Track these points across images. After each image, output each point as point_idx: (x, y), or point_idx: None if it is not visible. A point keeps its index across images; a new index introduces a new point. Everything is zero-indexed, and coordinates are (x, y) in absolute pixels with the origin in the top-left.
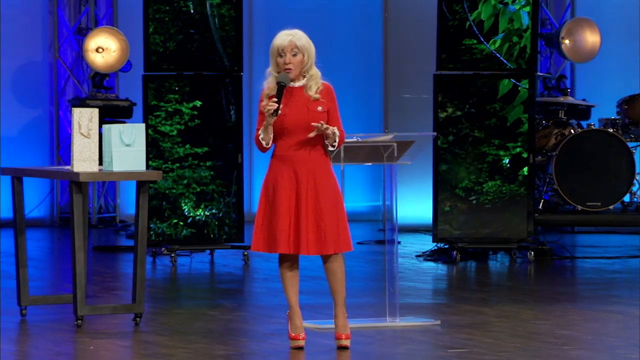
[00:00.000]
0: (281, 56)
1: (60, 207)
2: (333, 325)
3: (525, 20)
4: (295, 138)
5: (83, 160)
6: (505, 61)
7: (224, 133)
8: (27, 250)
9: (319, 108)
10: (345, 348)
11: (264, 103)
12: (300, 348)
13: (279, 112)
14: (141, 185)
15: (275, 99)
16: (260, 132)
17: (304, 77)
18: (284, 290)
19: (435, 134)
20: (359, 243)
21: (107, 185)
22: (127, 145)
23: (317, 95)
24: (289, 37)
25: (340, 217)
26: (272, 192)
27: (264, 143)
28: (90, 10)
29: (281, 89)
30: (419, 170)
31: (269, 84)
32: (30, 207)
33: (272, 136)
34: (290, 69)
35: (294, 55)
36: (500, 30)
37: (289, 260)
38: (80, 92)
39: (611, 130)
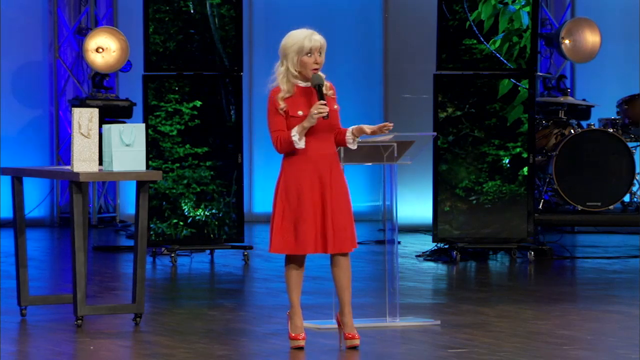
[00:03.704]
0: (309, 55)
1: (60, 207)
2: (334, 326)
3: (525, 20)
4: (318, 137)
5: (83, 160)
6: (505, 61)
7: (224, 133)
8: (27, 250)
9: (335, 106)
10: (356, 348)
11: (281, 106)
12: (301, 348)
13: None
14: (141, 185)
15: (323, 102)
16: (298, 133)
17: None
18: (287, 289)
19: (435, 134)
20: (359, 243)
21: (107, 185)
22: (127, 145)
23: (331, 92)
24: (317, 36)
25: (351, 215)
26: (296, 192)
27: (301, 144)
28: (90, 10)
29: (321, 90)
30: (419, 170)
31: (284, 86)
32: (30, 207)
33: None
34: (317, 68)
35: (320, 54)
36: (500, 30)
37: (298, 261)
38: (80, 92)
39: (611, 130)
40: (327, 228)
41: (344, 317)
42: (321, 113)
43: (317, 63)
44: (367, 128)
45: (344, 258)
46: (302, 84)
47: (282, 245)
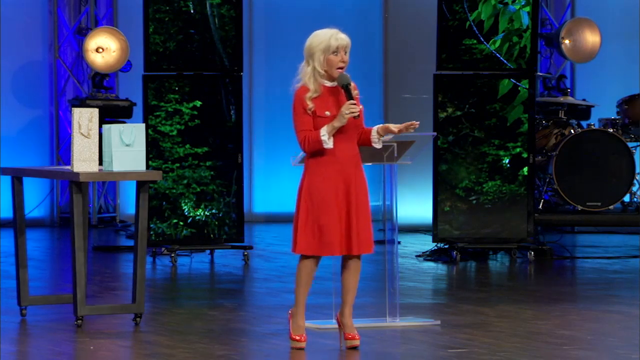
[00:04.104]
0: (335, 54)
1: (60, 207)
2: (334, 326)
3: (525, 20)
4: (344, 137)
5: (83, 160)
6: (505, 61)
7: (224, 133)
8: (27, 250)
9: (360, 106)
10: (356, 348)
11: (309, 106)
12: (301, 349)
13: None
14: (141, 185)
15: (354, 102)
16: (327, 133)
17: None
18: (296, 287)
19: (435, 134)
20: None
21: (107, 185)
22: (127, 145)
23: (356, 92)
24: (343, 35)
25: (371, 217)
26: (322, 193)
27: (330, 143)
28: (90, 10)
29: (349, 89)
30: (419, 170)
31: (312, 85)
32: (30, 207)
33: None
34: (343, 67)
35: (345, 53)
36: (500, 30)
37: (315, 261)
38: (80, 92)
39: (611, 130)
40: (351, 229)
41: (345, 318)
42: (353, 113)
43: (343, 62)
44: (394, 127)
45: (358, 260)
46: (328, 83)
47: (308, 246)
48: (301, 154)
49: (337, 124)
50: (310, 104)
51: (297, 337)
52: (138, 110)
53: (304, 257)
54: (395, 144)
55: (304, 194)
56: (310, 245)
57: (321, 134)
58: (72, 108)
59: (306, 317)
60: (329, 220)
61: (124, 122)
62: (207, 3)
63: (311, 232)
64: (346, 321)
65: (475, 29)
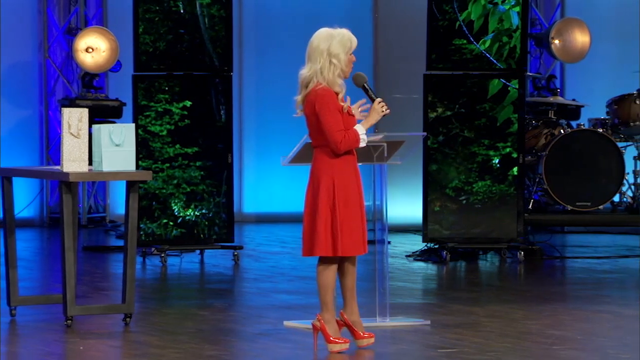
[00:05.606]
0: (351, 54)
1: (49, 207)
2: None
3: (515, 21)
4: None
5: (73, 160)
6: (495, 61)
7: (214, 133)
8: (17, 251)
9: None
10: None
11: (344, 105)
12: (345, 351)
13: None
14: (131, 185)
15: (380, 99)
16: (364, 131)
17: None
18: (323, 292)
19: (425, 134)
20: None
21: (97, 185)
22: (117, 145)
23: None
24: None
25: None
26: (352, 192)
27: (365, 142)
28: (80, 10)
29: (370, 88)
30: (409, 171)
31: (339, 85)
32: (20, 207)
33: None
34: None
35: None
36: (490, 31)
37: (337, 262)
38: (70, 92)
39: (601, 130)
40: (364, 229)
41: (354, 316)
42: (386, 111)
43: (353, 62)
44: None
45: (355, 259)
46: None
47: (350, 246)
48: (291, 154)
49: (373, 121)
50: (345, 104)
51: (340, 340)
52: (128, 110)
53: (326, 259)
54: (385, 144)
55: (326, 193)
56: (353, 244)
57: (360, 133)
58: (62, 108)
59: (303, 318)
60: (353, 219)
61: (114, 122)
62: (197, 3)
63: (345, 231)
64: (356, 319)
65: (465, 29)
